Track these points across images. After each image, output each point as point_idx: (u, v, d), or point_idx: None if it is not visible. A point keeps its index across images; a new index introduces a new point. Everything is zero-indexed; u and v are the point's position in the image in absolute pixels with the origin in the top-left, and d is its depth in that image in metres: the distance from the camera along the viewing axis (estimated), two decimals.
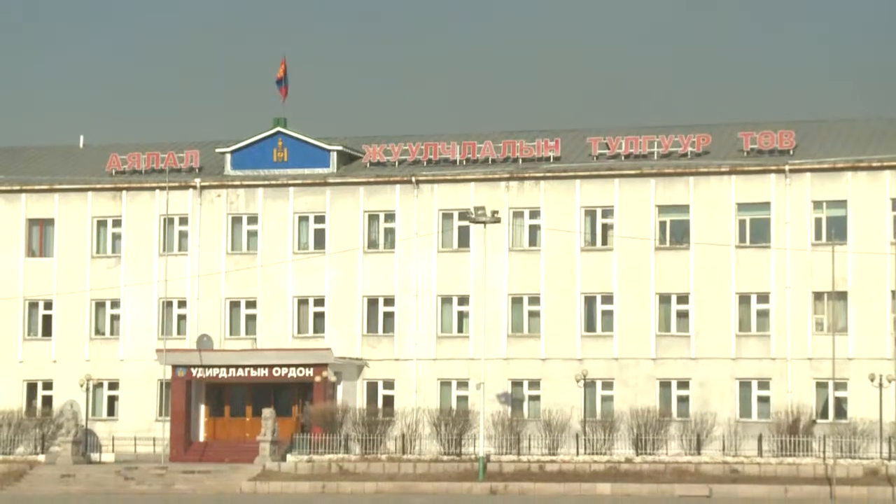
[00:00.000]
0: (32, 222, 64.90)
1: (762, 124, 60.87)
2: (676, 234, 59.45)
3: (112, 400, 63.31)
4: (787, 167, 58.19)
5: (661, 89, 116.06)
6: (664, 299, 59.08)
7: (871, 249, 56.85)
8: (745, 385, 57.94)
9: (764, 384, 57.73)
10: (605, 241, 60.00)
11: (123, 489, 53.13)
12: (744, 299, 58.34)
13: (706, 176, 59.04)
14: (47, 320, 64.15)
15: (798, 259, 57.69)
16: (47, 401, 62.92)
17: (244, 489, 52.39)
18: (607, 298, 59.53)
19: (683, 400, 58.19)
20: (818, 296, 57.68)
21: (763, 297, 58.14)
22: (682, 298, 58.84)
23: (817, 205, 58.07)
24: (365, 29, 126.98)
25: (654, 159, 60.00)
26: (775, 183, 58.33)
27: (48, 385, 63.58)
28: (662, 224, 59.66)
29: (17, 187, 64.88)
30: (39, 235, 64.95)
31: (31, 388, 63.82)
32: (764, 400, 57.50)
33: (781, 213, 58.12)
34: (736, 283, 58.30)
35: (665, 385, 58.55)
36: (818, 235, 57.85)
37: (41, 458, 58.04)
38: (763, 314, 58.19)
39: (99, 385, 62.86)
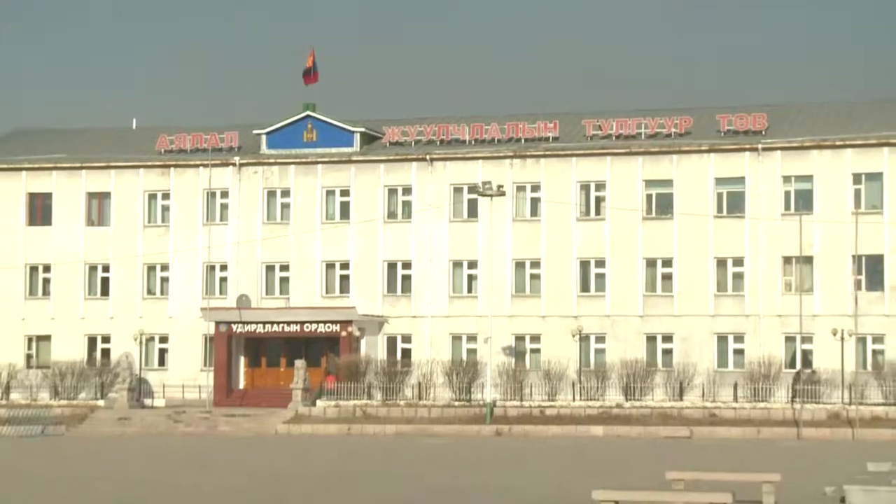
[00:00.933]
0: (91, 195, 64.77)
1: (738, 108, 60.49)
2: (662, 205, 59.15)
3: (162, 352, 63.30)
4: (759, 146, 57.83)
5: (647, 76, 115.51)
6: (650, 263, 58.86)
7: (834, 219, 56.54)
8: (722, 339, 57.75)
9: (739, 338, 57.53)
10: (598, 212, 59.74)
11: (173, 430, 53.16)
12: (721, 263, 58.09)
13: (688, 154, 58.72)
14: (105, 282, 64.10)
15: (769, 227, 57.40)
16: (105, 353, 62.94)
17: (279, 431, 52.37)
18: (600, 263, 59.32)
19: (667, 352, 58.02)
20: (787, 260, 57.42)
21: (738, 262, 57.89)
22: (667, 262, 58.61)
23: (787, 179, 57.75)
24: (383, 22, 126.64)
25: (641, 139, 59.67)
26: (749, 160, 57.99)
27: (106, 339, 63.58)
28: (649, 197, 59.37)
29: (79, 164, 64.75)
30: (98, 207, 64.83)
31: (92, 341, 63.83)
32: (739, 352, 57.30)
33: (755, 187, 57.80)
34: (714, 248, 58.04)
35: (651, 339, 58.37)
36: (787, 206, 57.54)
37: (101, 403, 58.08)
38: (738, 276, 57.94)
39: (151, 339, 62.84)
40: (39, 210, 64.86)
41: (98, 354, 62.93)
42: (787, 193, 57.69)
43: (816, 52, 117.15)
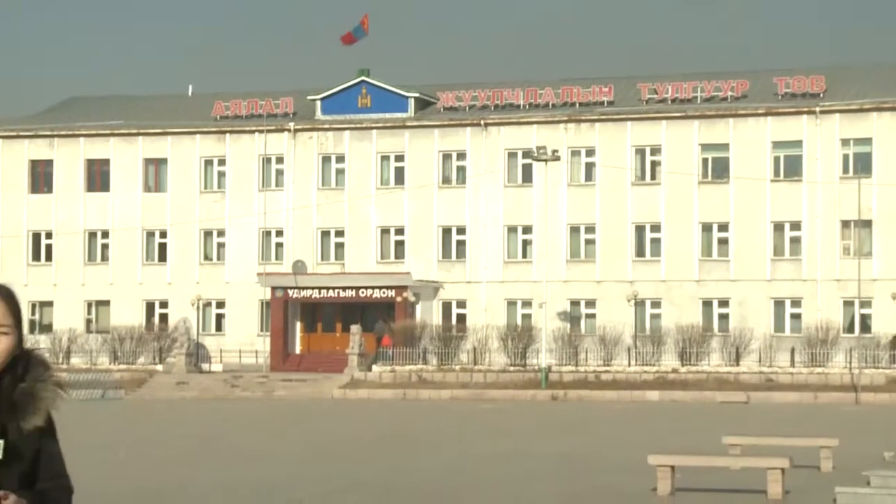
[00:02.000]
0: (148, 161, 65.15)
1: (795, 70, 59.80)
2: (717, 169, 58.69)
3: (219, 317, 63.71)
4: (817, 109, 57.18)
5: (704, 39, 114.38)
6: (706, 228, 58.47)
7: (893, 182, 55.85)
8: (779, 304, 57.34)
9: (796, 303, 57.09)
10: (653, 177, 59.37)
11: (230, 395, 53.55)
12: (778, 227, 57.61)
13: (744, 118, 58.19)
14: (163, 248, 64.54)
15: (827, 191, 56.82)
16: (163, 318, 63.43)
17: (335, 395, 52.62)
18: (655, 227, 59.00)
19: (724, 317, 57.69)
20: (845, 224, 56.85)
21: (795, 226, 57.38)
22: (723, 227, 58.20)
23: (845, 142, 57.09)
24: None
25: (697, 103, 59.17)
26: (807, 123, 57.38)
27: (164, 304, 64.06)
28: (705, 161, 58.92)
29: (135, 131, 65.11)
30: (155, 173, 65.22)
31: (150, 306, 64.33)
32: (796, 317, 56.88)
33: (812, 150, 57.21)
34: (771, 212, 57.55)
35: (707, 304, 58.05)
36: (846, 170, 56.92)
37: (159, 367, 58.61)
38: (795, 240, 57.45)
39: (208, 304, 63.25)
40: (98, 176, 65.35)
41: (156, 319, 63.44)
42: (846, 156, 57.05)
43: (875, 14, 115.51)
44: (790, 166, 57.73)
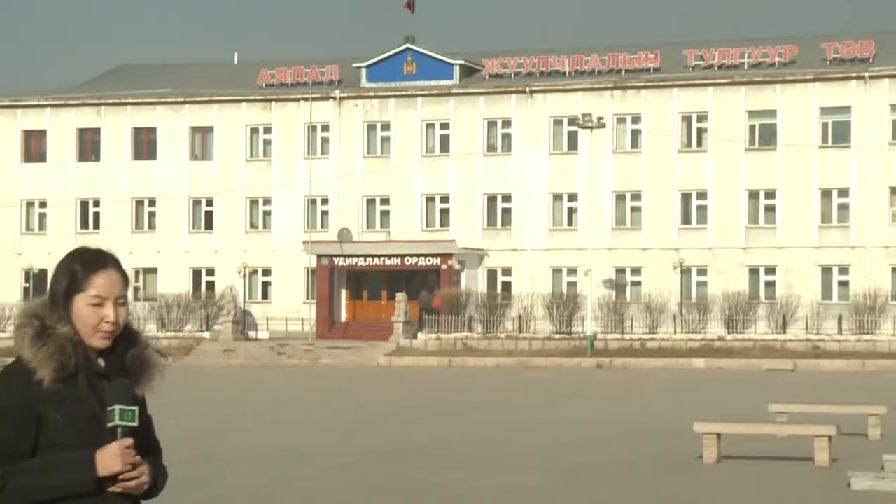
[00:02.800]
0: (195, 130, 65.37)
1: (844, 35, 59.15)
2: (764, 136, 58.22)
3: (265, 285, 63.98)
4: (866, 74, 56.54)
5: (751, 4, 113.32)
6: (753, 195, 58.06)
7: None
8: (826, 271, 56.91)
9: (844, 270, 56.64)
10: (699, 144, 58.97)
11: (276, 362, 53.80)
12: (826, 194, 57.12)
13: (792, 83, 57.63)
14: (209, 216, 64.81)
15: (876, 157, 56.23)
16: (210, 286, 63.76)
17: (381, 363, 52.77)
18: (702, 194, 58.64)
19: (770, 285, 57.33)
20: (894, 190, 56.27)
21: (843, 192, 56.87)
22: (770, 194, 57.77)
23: (894, 108, 56.45)
24: None
25: (744, 69, 58.66)
26: (856, 89, 56.76)
27: (211, 272, 64.38)
28: (752, 127, 58.46)
29: (182, 99, 65.31)
30: (201, 141, 65.43)
31: (196, 274, 64.67)
32: (843, 284, 56.44)
33: (861, 116, 56.61)
34: (819, 179, 57.05)
35: (754, 271, 57.71)
36: (895, 136, 56.31)
37: (206, 335, 58.96)
38: (843, 207, 56.93)
39: (254, 272, 63.51)
40: (145, 145, 65.65)
41: (203, 287, 63.78)
42: (895, 122, 56.41)
43: None
44: (838, 132, 57.16)
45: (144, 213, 65.49)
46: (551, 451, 19.80)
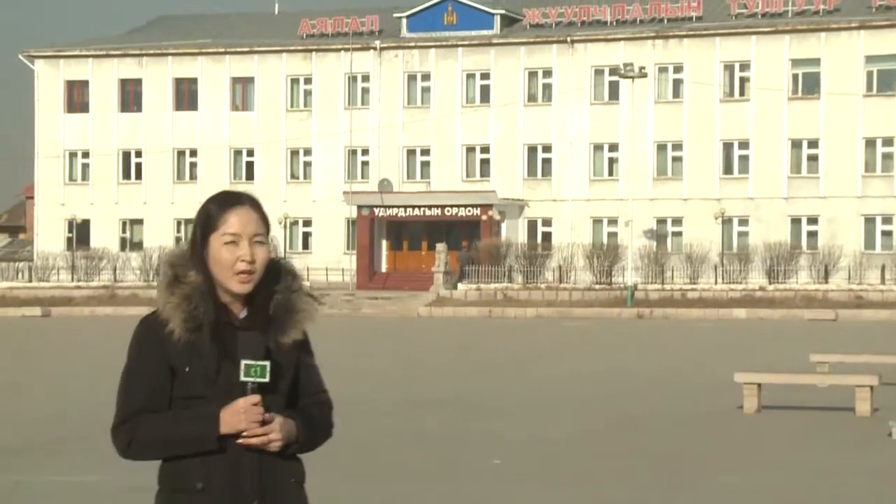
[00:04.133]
0: (235, 80, 65.45)
1: None
2: (808, 85, 57.71)
3: (306, 235, 64.22)
4: None
5: None
6: (796, 144, 57.65)
7: None
8: (869, 220, 56.51)
9: (888, 220, 56.23)
10: (742, 93, 58.54)
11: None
12: (870, 143, 56.62)
13: (837, 31, 57.03)
14: (250, 166, 65.02)
15: None
16: None
17: (421, 313, 52.94)
18: (744, 144, 58.28)
19: (812, 234, 57.03)
20: None
21: (888, 141, 56.35)
22: (813, 143, 57.34)
23: None
24: None
25: (788, 17, 58.09)
26: None
27: None
28: (795, 76, 57.95)
29: (222, 50, 65.38)
30: (242, 92, 65.53)
31: None
32: (887, 234, 56.06)
33: None
34: (863, 128, 56.55)
35: (796, 221, 57.40)
36: None
37: None
38: (888, 157, 56.44)
39: (295, 223, 63.75)
40: (186, 95, 65.82)
41: None
42: None
43: None
44: (883, 81, 56.57)
45: (186, 164, 65.77)
46: (592, 401, 19.86)
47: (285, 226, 62.32)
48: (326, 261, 62.01)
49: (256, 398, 3.81)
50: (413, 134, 62.66)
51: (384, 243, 62.70)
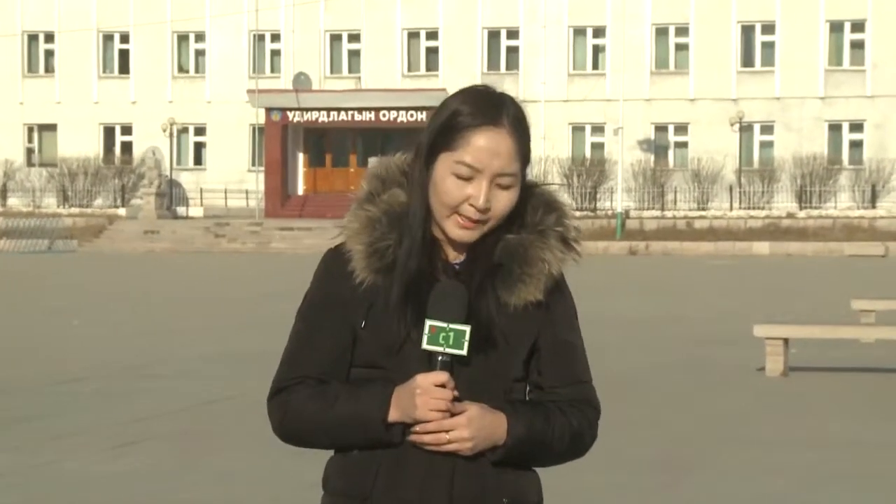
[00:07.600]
0: None
1: None
2: None
3: (199, 147, 64.01)
4: None
5: None
6: (835, 27, 57.94)
7: None
8: None
9: None
10: None
11: (214, 247, 53.97)
12: None
13: None
14: (124, 55, 64.58)
15: None
16: (127, 147, 63.76)
17: None
18: (768, 28, 58.51)
19: (856, 145, 57.49)
20: None
21: None
22: (857, 26, 57.63)
23: None
24: None
25: None
26: None
27: (127, 130, 64.31)
28: None
29: None
30: None
31: (109, 132, 64.61)
32: None
33: None
34: None
35: (835, 128, 57.82)
36: None
37: (121, 211, 59.07)
38: None
39: (184, 130, 63.50)
40: None
41: (117, 150, 63.80)
42: None
43: None
44: None
45: (39, 52, 65.22)
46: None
47: (171, 134, 62.03)
48: (225, 180, 61.89)
49: (443, 377, 3.39)
50: (338, 15, 62.42)
51: (301, 158, 62.62)
